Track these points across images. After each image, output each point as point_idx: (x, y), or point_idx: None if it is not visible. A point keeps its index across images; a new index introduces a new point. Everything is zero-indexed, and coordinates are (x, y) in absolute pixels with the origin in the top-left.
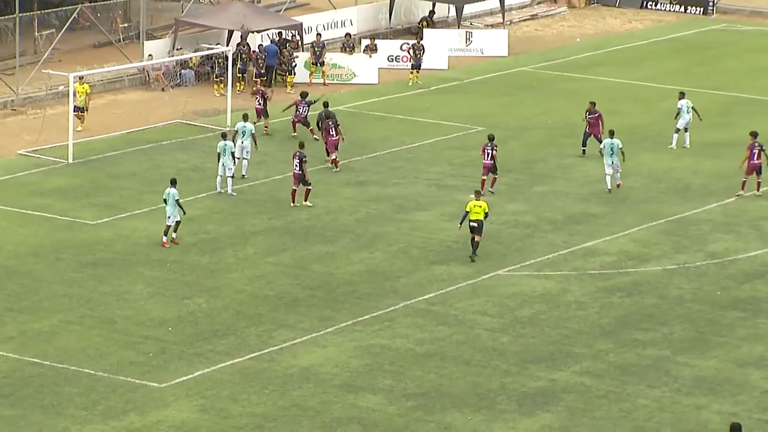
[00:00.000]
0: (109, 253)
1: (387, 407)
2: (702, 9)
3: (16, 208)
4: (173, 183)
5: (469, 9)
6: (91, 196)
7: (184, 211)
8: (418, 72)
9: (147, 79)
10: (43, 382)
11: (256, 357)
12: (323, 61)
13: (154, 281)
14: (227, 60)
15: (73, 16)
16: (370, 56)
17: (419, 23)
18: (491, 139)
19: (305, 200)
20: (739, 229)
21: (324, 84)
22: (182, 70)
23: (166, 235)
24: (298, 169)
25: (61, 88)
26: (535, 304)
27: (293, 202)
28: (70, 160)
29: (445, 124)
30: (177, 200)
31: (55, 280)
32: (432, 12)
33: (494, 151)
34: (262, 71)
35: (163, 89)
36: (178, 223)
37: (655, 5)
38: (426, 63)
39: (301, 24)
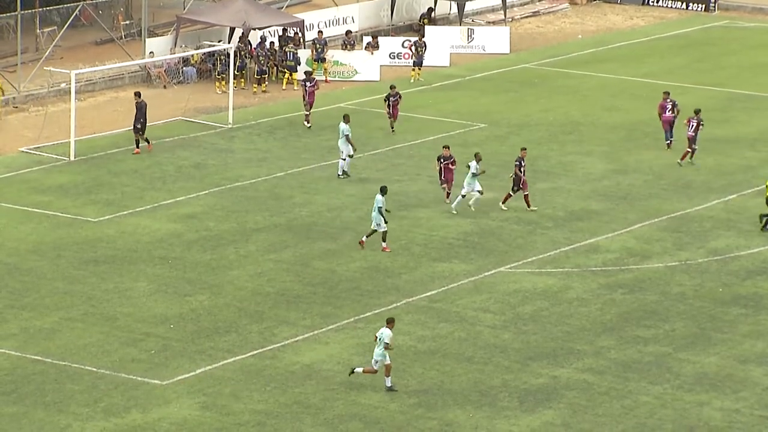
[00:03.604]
0: (111, 251)
1: (389, 404)
2: (704, 6)
3: (17, 206)
4: (382, 191)
5: (470, 6)
6: (92, 193)
7: (386, 220)
8: (419, 69)
9: (149, 76)
10: (45, 379)
11: (258, 354)
12: (324, 58)
13: (155, 278)
14: (229, 57)
15: (74, 14)
16: (372, 53)
17: (421, 20)
18: (697, 112)
19: (502, 203)
20: (741, 225)
21: (326, 81)
22: (184, 68)
23: (384, 241)
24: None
25: (62, 85)
26: (537, 301)
27: (502, 204)
28: (72, 158)
29: (446, 121)
30: (379, 208)
31: (56, 278)
32: (433, 9)
33: (699, 125)
34: (264, 68)
35: (164, 86)
36: (385, 232)
37: (657, 2)
38: (428, 60)
39: (303, 21)
